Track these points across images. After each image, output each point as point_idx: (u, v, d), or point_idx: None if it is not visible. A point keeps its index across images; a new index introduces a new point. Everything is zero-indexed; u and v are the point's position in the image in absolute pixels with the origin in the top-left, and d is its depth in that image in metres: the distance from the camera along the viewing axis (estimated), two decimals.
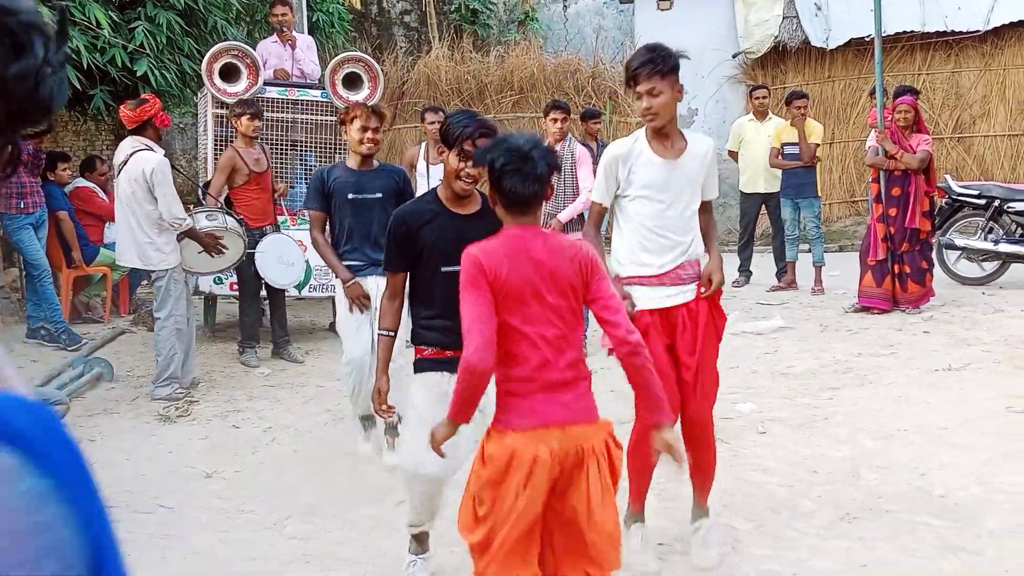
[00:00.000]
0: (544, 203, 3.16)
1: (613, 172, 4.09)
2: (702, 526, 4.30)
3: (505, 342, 2.94)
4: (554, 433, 2.88)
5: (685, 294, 4.08)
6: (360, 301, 5.50)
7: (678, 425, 4.02)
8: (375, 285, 5.45)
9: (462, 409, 2.97)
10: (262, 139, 8.26)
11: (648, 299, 4.06)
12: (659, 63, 3.91)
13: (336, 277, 5.66)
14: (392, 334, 4.03)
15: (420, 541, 4.18)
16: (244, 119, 7.77)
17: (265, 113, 8.22)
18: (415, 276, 3.93)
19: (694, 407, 4.11)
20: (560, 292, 2.97)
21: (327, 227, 5.74)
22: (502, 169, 2.96)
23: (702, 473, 4.28)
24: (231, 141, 8.67)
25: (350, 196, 5.59)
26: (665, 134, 4.03)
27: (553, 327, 2.95)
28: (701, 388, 4.11)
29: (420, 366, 3.96)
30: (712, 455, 4.28)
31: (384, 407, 4.08)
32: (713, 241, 4.29)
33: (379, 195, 5.58)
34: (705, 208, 4.24)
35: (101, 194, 9.98)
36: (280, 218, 8.27)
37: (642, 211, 4.07)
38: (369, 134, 5.55)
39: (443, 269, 3.75)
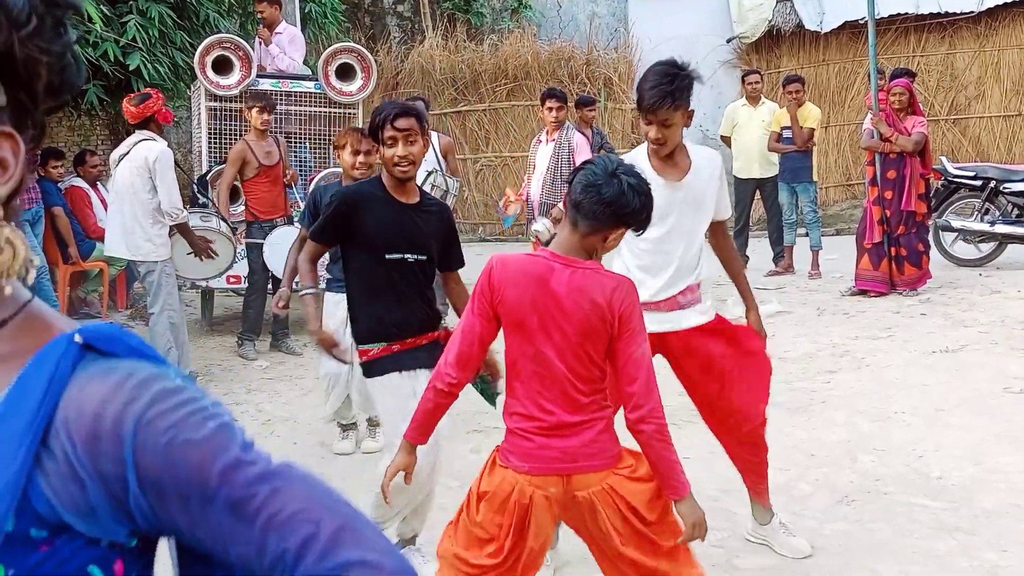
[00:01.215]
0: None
1: None
2: (773, 522, 4.23)
3: (510, 371, 2.79)
4: (552, 480, 2.72)
5: (684, 319, 3.89)
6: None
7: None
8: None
9: (420, 429, 2.87)
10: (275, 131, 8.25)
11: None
12: (677, 96, 3.58)
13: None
14: (315, 291, 4.04)
15: (405, 538, 4.17)
16: (254, 112, 7.76)
17: None
18: (359, 267, 3.87)
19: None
20: (572, 334, 2.69)
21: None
22: (586, 162, 2.78)
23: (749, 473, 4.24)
24: (226, 134, 8.68)
25: None
26: (669, 154, 3.77)
27: (561, 366, 2.71)
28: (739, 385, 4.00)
29: (371, 369, 3.87)
30: (756, 455, 4.21)
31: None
32: (740, 272, 4.22)
33: None
34: (720, 230, 4.07)
35: (92, 195, 9.97)
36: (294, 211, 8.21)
37: (643, 235, 3.75)
38: (361, 158, 5.20)
39: (387, 256, 3.78)
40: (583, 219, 2.69)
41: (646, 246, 3.76)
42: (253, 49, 9.01)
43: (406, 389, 3.71)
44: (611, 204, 2.65)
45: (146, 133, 6.92)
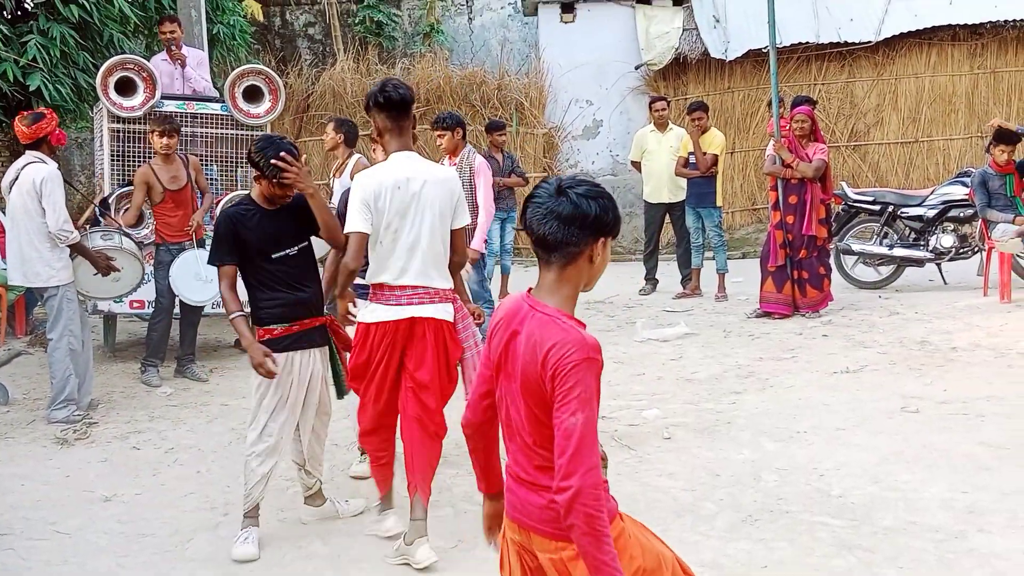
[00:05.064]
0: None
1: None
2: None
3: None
4: (516, 529, 2.53)
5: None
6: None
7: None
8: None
9: (478, 475, 2.80)
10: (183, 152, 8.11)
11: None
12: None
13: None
14: (242, 314, 4.59)
15: (251, 515, 4.71)
16: (155, 136, 7.63)
17: None
18: (253, 268, 4.61)
19: None
20: (518, 387, 2.46)
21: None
22: (529, 198, 2.50)
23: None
24: (129, 156, 8.51)
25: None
26: None
27: (516, 419, 2.49)
28: None
29: (266, 345, 4.54)
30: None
31: (264, 370, 4.51)
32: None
33: None
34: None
35: None
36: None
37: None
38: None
39: (273, 256, 4.59)
40: (555, 253, 2.44)
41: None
42: (163, 72, 8.87)
43: (285, 370, 4.58)
44: (573, 220, 2.40)
45: (36, 155, 6.76)
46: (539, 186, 2.49)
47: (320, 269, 4.97)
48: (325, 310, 4.90)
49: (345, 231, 4.44)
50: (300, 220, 4.64)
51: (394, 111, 4.41)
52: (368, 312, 4.54)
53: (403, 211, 4.39)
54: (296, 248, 4.65)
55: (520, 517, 2.49)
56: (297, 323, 4.64)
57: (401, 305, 4.44)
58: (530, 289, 2.53)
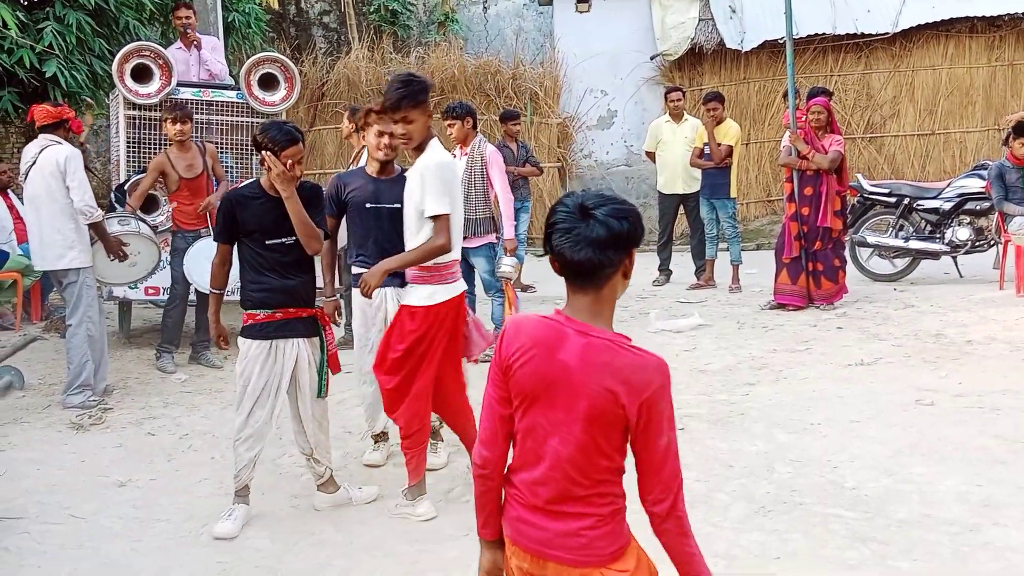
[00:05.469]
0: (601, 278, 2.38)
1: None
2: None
3: (515, 436, 2.49)
4: (527, 558, 2.45)
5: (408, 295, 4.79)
6: (332, 318, 5.28)
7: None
8: (386, 297, 5.25)
9: (480, 520, 2.56)
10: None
11: None
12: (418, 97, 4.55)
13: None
14: (220, 292, 4.85)
15: (241, 493, 4.86)
16: (168, 123, 7.65)
17: None
18: (247, 250, 4.75)
19: None
20: (578, 416, 2.34)
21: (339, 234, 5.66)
22: (552, 224, 2.35)
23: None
24: (145, 143, 8.53)
25: (368, 206, 5.31)
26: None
27: (560, 450, 2.37)
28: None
29: (250, 332, 4.73)
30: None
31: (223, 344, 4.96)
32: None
33: (398, 205, 5.03)
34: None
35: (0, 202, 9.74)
36: None
37: None
38: (386, 139, 5.24)
39: (267, 243, 4.69)
40: (591, 278, 2.34)
41: None
42: (179, 60, 8.88)
43: (265, 356, 4.71)
44: (608, 243, 2.30)
45: (52, 138, 6.77)
46: (559, 210, 2.35)
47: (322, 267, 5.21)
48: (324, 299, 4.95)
49: (440, 213, 4.56)
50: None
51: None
52: (426, 295, 4.66)
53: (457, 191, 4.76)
54: (294, 238, 4.71)
55: (539, 548, 2.41)
56: (281, 311, 4.72)
57: (458, 280, 4.80)
58: (558, 311, 2.41)
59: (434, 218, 4.55)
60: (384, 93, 4.59)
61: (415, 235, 4.65)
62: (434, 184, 4.54)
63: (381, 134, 5.25)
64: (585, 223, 2.29)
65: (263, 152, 4.60)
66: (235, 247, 4.82)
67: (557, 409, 2.35)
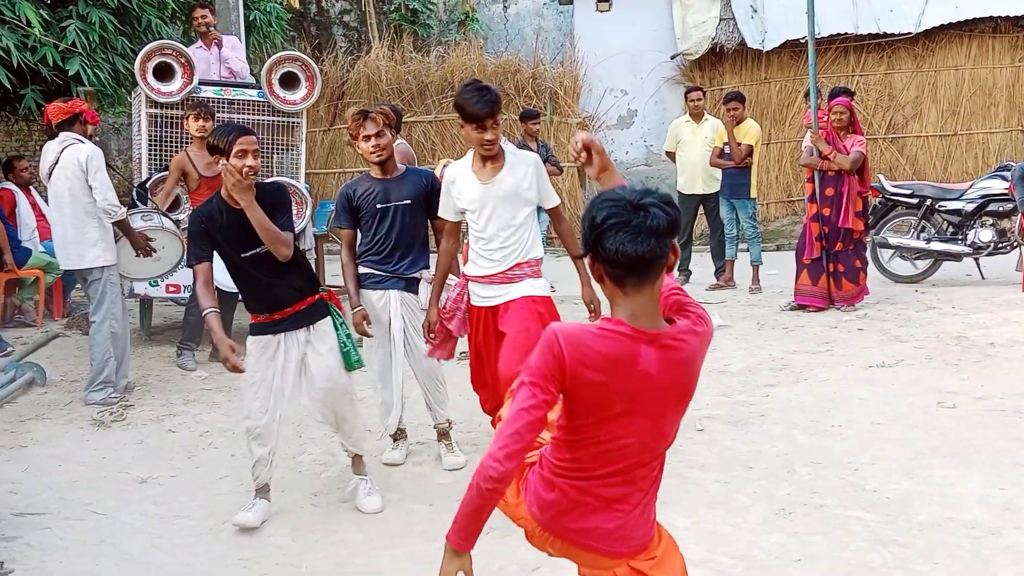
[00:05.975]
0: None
1: (448, 191, 4.92)
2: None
3: (569, 435, 2.45)
4: (555, 543, 2.54)
5: (512, 291, 4.82)
6: (360, 328, 5.30)
7: None
8: (398, 300, 5.33)
9: (463, 532, 2.42)
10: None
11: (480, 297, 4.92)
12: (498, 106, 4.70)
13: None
14: (216, 310, 4.61)
15: (261, 491, 4.83)
16: (190, 119, 7.69)
17: None
18: (229, 263, 4.70)
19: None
20: (667, 411, 2.43)
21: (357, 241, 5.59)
22: (603, 224, 2.26)
23: None
24: (166, 141, 8.57)
25: (379, 206, 5.34)
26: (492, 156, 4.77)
27: (638, 448, 2.43)
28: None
29: (252, 329, 4.77)
30: None
31: (230, 365, 4.54)
32: (575, 248, 4.95)
33: (407, 201, 5.31)
34: (554, 214, 5.00)
35: (22, 198, 9.80)
36: None
37: (472, 225, 4.88)
38: (373, 141, 5.25)
39: (243, 255, 4.61)
40: (650, 271, 2.29)
41: (476, 234, 4.85)
42: (199, 59, 8.91)
43: (271, 347, 4.71)
44: (666, 231, 2.26)
45: (71, 136, 6.80)
46: (605, 208, 2.27)
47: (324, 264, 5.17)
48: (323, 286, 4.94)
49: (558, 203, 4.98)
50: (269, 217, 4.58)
51: None
52: (543, 285, 4.95)
53: None
54: (265, 248, 4.58)
55: (572, 538, 2.51)
56: (278, 312, 4.71)
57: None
58: (615, 319, 2.35)
59: (553, 209, 4.96)
60: (465, 105, 4.64)
61: (513, 225, 4.82)
62: (545, 178, 4.92)
63: (367, 138, 5.25)
64: (640, 215, 2.24)
65: (220, 161, 4.49)
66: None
67: (640, 417, 2.39)
